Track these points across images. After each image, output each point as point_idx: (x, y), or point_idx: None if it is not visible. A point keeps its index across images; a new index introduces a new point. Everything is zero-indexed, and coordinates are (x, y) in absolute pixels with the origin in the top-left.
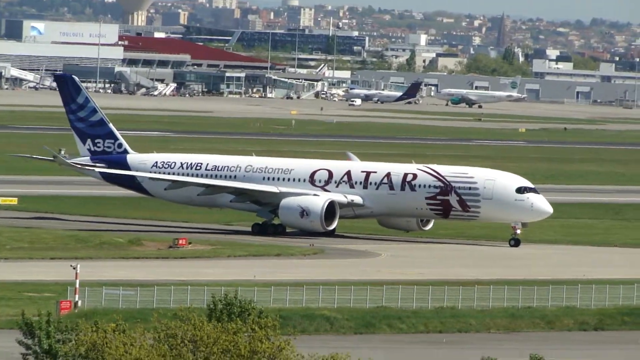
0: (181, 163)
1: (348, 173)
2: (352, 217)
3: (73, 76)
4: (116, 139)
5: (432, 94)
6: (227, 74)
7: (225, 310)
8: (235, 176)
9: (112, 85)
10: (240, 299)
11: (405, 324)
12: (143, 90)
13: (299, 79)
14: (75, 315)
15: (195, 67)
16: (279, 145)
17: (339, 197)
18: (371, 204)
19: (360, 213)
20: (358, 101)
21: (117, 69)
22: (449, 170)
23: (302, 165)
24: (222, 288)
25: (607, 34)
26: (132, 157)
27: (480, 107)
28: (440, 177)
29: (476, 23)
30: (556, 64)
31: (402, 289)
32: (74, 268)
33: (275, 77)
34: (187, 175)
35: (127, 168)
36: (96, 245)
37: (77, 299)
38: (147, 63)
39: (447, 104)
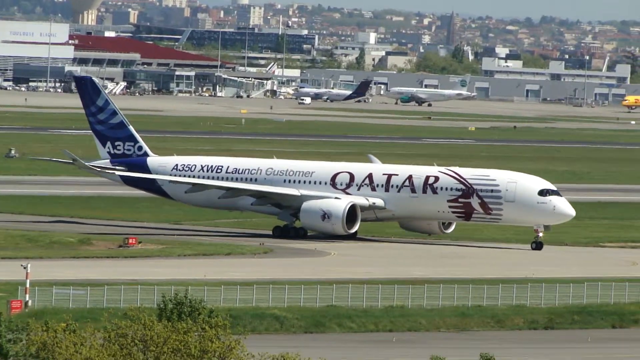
0: (202, 166)
1: (370, 176)
2: (374, 220)
3: (93, 78)
4: (136, 141)
5: (382, 92)
6: (177, 73)
7: (175, 309)
8: (256, 179)
9: (63, 84)
10: (191, 298)
11: (355, 323)
12: None
13: (248, 78)
14: (26, 315)
15: (145, 66)
16: (229, 144)
17: (360, 200)
18: (393, 207)
19: (382, 216)
20: (307, 99)
21: (68, 68)
22: (470, 173)
23: (324, 168)
24: (172, 287)
25: (557, 32)
26: (152, 159)
27: (429, 105)
28: (462, 180)
29: (426, 21)
30: (506, 62)
31: (352, 288)
32: (24, 267)
33: (225, 76)
34: (208, 178)
35: (147, 171)
36: (46, 244)
37: (27, 298)
38: (97, 62)
39: (396, 103)
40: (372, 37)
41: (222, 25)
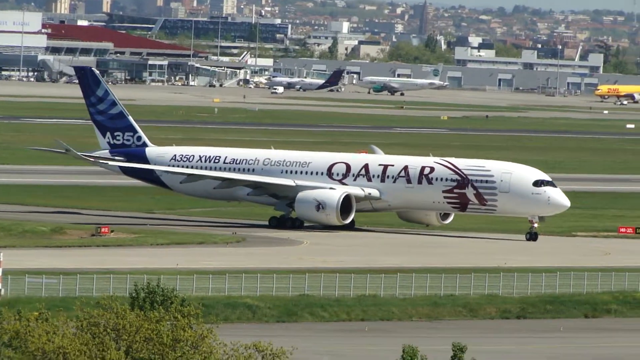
0: (200, 156)
1: (366, 166)
2: (370, 211)
3: (93, 69)
4: (135, 131)
5: (354, 81)
6: (150, 62)
7: (147, 298)
8: (253, 169)
9: (35, 73)
10: (163, 287)
11: (327, 312)
12: (65, 78)
13: (221, 67)
14: None
15: (118, 55)
16: (202, 133)
17: (356, 191)
18: (389, 198)
19: (378, 207)
20: (280, 89)
21: (40, 57)
22: (465, 164)
23: (320, 159)
24: (144, 276)
25: (530, 21)
26: (151, 150)
27: (402, 94)
28: (457, 170)
29: (398, 10)
30: (478, 51)
31: (324, 277)
32: None
33: (198, 65)
34: (206, 168)
35: (146, 161)
36: (19, 233)
37: (0, 287)
38: (70, 51)
39: (369, 92)
40: (345, 26)
41: (195, 14)
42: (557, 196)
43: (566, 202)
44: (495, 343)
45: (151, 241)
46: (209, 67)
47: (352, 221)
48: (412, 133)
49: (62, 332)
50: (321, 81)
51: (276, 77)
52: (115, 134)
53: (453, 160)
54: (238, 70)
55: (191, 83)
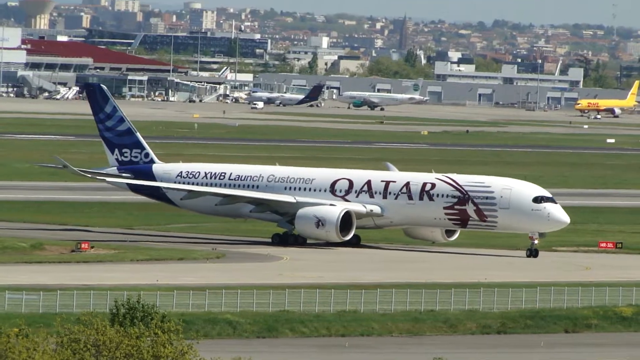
0: (205, 173)
1: (368, 183)
2: (372, 228)
3: (101, 85)
4: (143, 148)
5: (334, 96)
6: (130, 77)
7: (128, 314)
8: (257, 186)
9: (15, 89)
10: (143, 303)
11: (307, 327)
12: (45, 94)
13: (201, 82)
14: None
15: (98, 70)
16: (181, 148)
17: (357, 207)
18: (390, 214)
19: (380, 223)
20: (260, 104)
21: (20, 72)
22: (466, 180)
23: (323, 175)
24: (124, 292)
25: (510, 35)
26: (158, 167)
27: (382, 109)
28: (458, 187)
29: (378, 25)
30: (458, 66)
31: (304, 293)
32: None
33: (178, 80)
34: (211, 185)
35: (153, 178)
36: None
37: None
38: (50, 67)
39: (349, 107)
40: (325, 41)
41: (174, 29)
42: (557, 212)
43: (566, 218)
44: (476, 358)
45: (131, 257)
46: (188, 83)
47: (358, 237)
48: (392, 148)
49: (43, 349)
50: (301, 96)
51: (256, 92)
52: (123, 150)
53: (454, 176)
54: (218, 86)
55: (171, 98)
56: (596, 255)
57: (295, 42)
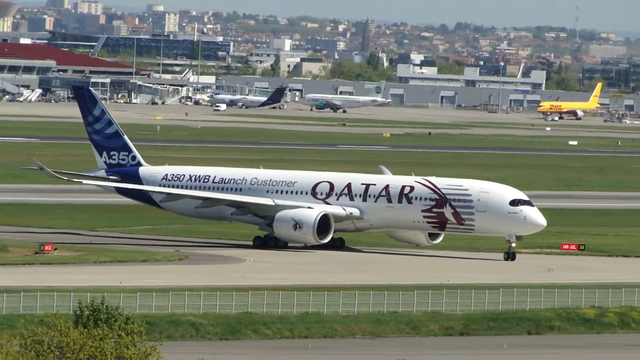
0: (190, 175)
1: (348, 186)
2: (353, 231)
3: (90, 88)
4: (130, 151)
5: (297, 99)
6: (93, 80)
7: (92, 316)
8: (240, 189)
9: None
10: (107, 305)
11: (270, 329)
12: (8, 96)
13: (163, 85)
14: None
15: (61, 72)
16: (144, 151)
17: (336, 210)
18: (370, 217)
19: (360, 226)
20: (223, 106)
21: None
22: (445, 183)
23: (305, 178)
24: (88, 294)
25: (472, 38)
26: (144, 169)
27: (344, 112)
28: (436, 190)
29: (340, 28)
30: (420, 68)
31: (267, 295)
32: None
33: (140, 83)
34: (196, 188)
35: (139, 181)
36: None
37: None
38: (13, 69)
39: (311, 109)
40: (287, 43)
41: (137, 32)
42: (534, 215)
43: (542, 221)
44: None
45: (94, 259)
46: (151, 85)
47: (343, 240)
48: (355, 150)
49: (6, 350)
50: (263, 98)
51: (218, 94)
52: (111, 153)
53: (433, 179)
54: (180, 88)
55: (133, 101)
56: (559, 257)
57: (258, 45)
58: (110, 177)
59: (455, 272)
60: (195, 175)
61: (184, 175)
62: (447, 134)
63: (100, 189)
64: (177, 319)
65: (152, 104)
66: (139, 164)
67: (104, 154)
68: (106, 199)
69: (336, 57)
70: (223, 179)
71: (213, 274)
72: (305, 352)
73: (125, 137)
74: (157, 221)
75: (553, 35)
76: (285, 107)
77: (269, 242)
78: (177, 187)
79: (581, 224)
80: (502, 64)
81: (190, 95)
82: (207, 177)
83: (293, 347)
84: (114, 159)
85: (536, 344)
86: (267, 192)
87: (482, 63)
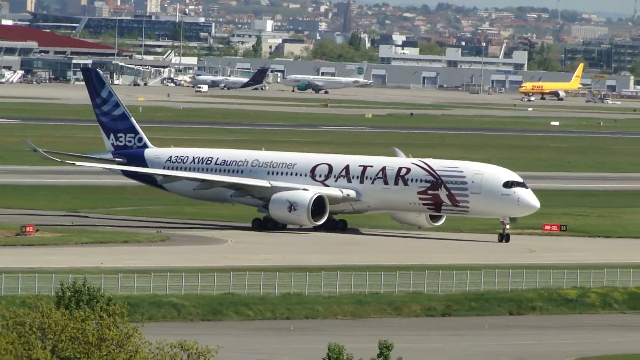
0: (193, 157)
1: (347, 167)
2: (351, 213)
3: (98, 70)
4: (137, 133)
5: (279, 80)
6: (74, 61)
7: (73, 297)
8: (242, 170)
9: None
10: (89, 286)
11: (252, 310)
12: None
13: (145, 66)
14: None
15: (43, 54)
16: None
17: (333, 192)
18: (367, 199)
19: (358, 208)
20: (204, 87)
21: None
22: (440, 165)
23: (304, 160)
24: (70, 275)
25: (454, 19)
26: (149, 151)
27: (326, 92)
28: (431, 171)
29: (322, 9)
30: (402, 49)
31: (249, 276)
32: None
33: (122, 64)
34: (199, 169)
35: (144, 163)
36: None
37: None
38: None
39: (293, 90)
40: (269, 24)
41: (119, 13)
42: (527, 197)
43: (536, 203)
44: (421, 341)
45: (76, 240)
46: (133, 66)
47: (345, 222)
48: (337, 131)
49: None
50: (245, 79)
51: (200, 75)
52: (118, 135)
53: (429, 161)
54: (162, 69)
55: (115, 82)
56: (541, 238)
57: (240, 26)
58: (117, 159)
59: (438, 253)
60: (198, 157)
61: (187, 157)
62: (429, 115)
63: (87, 170)
64: (158, 300)
65: (134, 85)
66: (145, 146)
67: (112, 136)
68: (88, 180)
69: (318, 37)
70: (225, 160)
71: (194, 254)
72: (287, 333)
73: (132, 119)
74: (139, 202)
75: (535, 15)
76: (267, 88)
77: (268, 224)
78: (181, 169)
79: (563, 204)
80: (484, 44)
81: (172, 76)
82: (209, 159)
83: (275, 327)
84: (121, 141)
85: (518, 324)
86: (268, 173)
87: (464, 44)
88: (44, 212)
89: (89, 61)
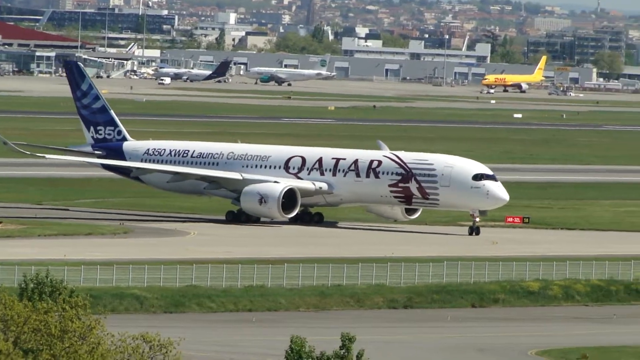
0: (170, 150)
1: (320, 160)
2: (324, 205)
3: (78, 63)
4: (116, 125)
5: (242, 72)
6: (38, 54)
7: (36, 289)
8: (217, 163)
9: None
10: (52, 278)
11: (214, 302)
12: None
13: (108, 58)
14: None
15: (6, 46)
16: None
17: (305, 185)
18: (340, 192)
19: (331, 201)
20: (167, 80)
21: None
22: (411, 157)
23: (279, 152)
24: (32, 267)
25: (417, 11)
26: (128, 144)
27: (289, 85)
28: (402, 164)
29: (286, 1)
30: (365, 41)
31: (211, 268)
32: None
33: (86, 57)
34: (175, 162)
35: (123, 156)
36: None
37: None
38: None
39: (256, 83)
40: (232, 17)
41: (82, 5)
42: (496, 190)
43: (505, 196)
44: (383, 333)
45: (39, 232)
46: (96, 59)
47: (321, 215)
48: (300, 123)
49: None
50: (208, 72)
51: (163, 68)
52: (98, 128)
53: (400, 153)
54: (125, 62)
55: None
56: (503, 230)
57: (203, 18)
58: (96, 152)
59: (401, 245)
60: (175, 150)
61: (164, 149)
62: (392, 107)
63: (54, 162)
64: (121, 292)
65: (97, 77)
66: (124, 139)
67: (92, 128)
68: (51, 172)
69: (281, 30)
70: (201, 153)
71: (157, 247)
72: (250, 325)
73: (112, 112)
74: (102, 194)
75: (498, 8)
76: (230, 80)
77: (241, 216)
78: (158, 161)
79: (526, 196)
80: (447, 37)
81: (135, 69)
82: (186, 151)
83: (237, 320)
84: (101, 134)
85: (480, 316)
86: (242, 166)
87: (427, 36)
88: (8, 204)
89: (52, 54)
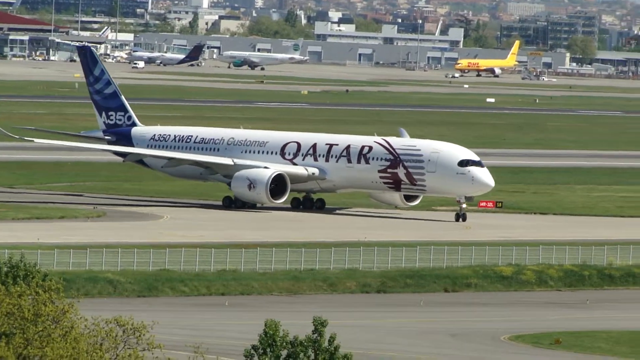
0: (174, 136)
1: (314, 146)
2: (318, 191)
3: (92, 48)
4: (126, 111)
5: (215, 56)
6: (11, 37)
7: (10, 273)
8: (218, 149)
9: None
10: (25, 262)
11: (187, 286)
12: None
13: (82, 42)
14: None
15: None
16: (62, 108)
17: (298, 170)
18: (333, 177)
19: (324, 187)
20: (141, 64)
21: None
22: (400, 143)
23: (275, 138)
24: (6, 251)
25: None
26: (136, 130)
27: (262, 69)
28: (391, 150)
29: None
30: (338, 26)
31: (184, 252)
32: None
33: (59, 40)
34: (179, 148)
35: (131, 141)
36: None
37: None
38: None
39: (229, 67)
40: (205, 1)
41: None
42: (482, 176)
43: (490, 182)
44: (356, 317)
45: (12, 216)
46: (69, 42)
47: (323, 201)
48: (273, 107)
49: None
50: (182, 56)
51: (137, 51)
52: (109, 113)
53: (391, 139)
54: (98, 45)
55: (52, 58)
56: (476, 215)
57: (176, 2)
58: (106, 137)
59: (374, 229)
60: (180, 136)
61: (169, 135)
62: (364, 92)
63: (27, 146)
64: (94, 275)
65: (71, 61)
66: (134, 124)
67: (103, 114)
68: (24, 156)
69: (254, 14)
70: (204, 139)
71: (130, 230)
72: (223, 309)
73: (122, 97)
74: (75, 178)
75: None
76: (203, 64)
77: (236, 202)
78: (163, 147)
79: (498, 181)
80: (420, 21)
81: (108, 52)
82: (189, 137)
83: (210, 304)
84: (112, 119)
85: (453, 301)
86: (242, 152)
87: (400, 21)
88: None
89: (25, 37)
